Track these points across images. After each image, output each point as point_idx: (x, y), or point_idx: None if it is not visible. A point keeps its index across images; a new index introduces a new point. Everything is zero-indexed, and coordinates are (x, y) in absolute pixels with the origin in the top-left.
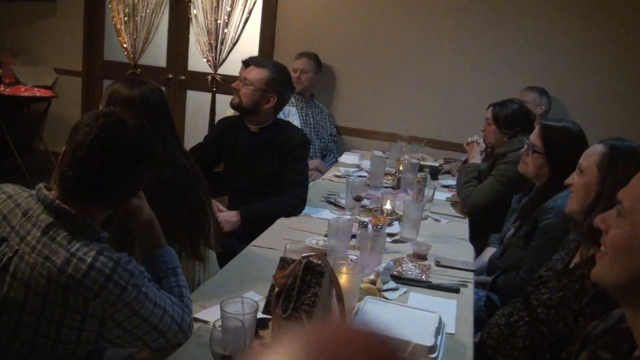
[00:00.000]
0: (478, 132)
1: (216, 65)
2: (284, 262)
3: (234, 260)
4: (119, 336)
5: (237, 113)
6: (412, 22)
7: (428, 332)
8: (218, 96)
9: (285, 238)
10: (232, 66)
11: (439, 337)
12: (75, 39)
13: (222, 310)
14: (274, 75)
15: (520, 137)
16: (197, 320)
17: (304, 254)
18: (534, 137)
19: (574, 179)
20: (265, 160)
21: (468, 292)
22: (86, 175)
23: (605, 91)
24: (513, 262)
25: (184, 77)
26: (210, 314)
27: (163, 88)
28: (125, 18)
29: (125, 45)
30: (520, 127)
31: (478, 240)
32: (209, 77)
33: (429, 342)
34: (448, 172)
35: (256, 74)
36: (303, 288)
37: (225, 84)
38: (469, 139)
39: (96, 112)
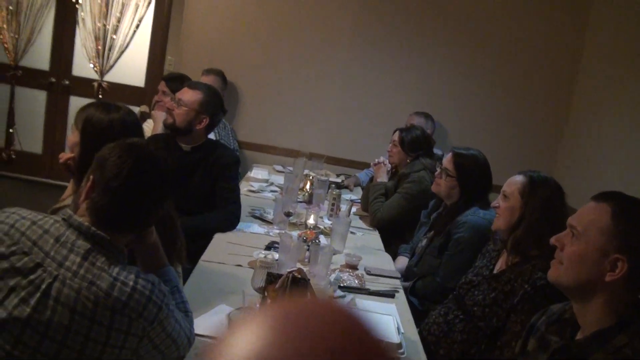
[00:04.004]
0: (370, 149)
1: (103, 71)
2: (271, 277)
3: (193, 276)
4: (148, 352)
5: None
6: (311, 45)
7: (392, 331)
8: None
9: (230, 253)
10: (119, 73)
11: (400, 335)
12: None
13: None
14: (207, 98)
15: (421, 160)
16: None
17: (288, 270)
18: (447, 162)
19: (499, 202)
20: (197, 179)
21: (401, 296)
22: (121, 203)
23: (482, 117)
24: (428, 269)
25: (67, 82)
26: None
27: (44, 92)
28: (8, 16)
29: (6, 45)
30: (422, 151)
31: (386, 249)
32: (95, 84)
33: (395, 339)
34: (346, 187)
35: (190, 95)
36: None
37: (111, 92)
38: (376, 160)
39: (124, 144)
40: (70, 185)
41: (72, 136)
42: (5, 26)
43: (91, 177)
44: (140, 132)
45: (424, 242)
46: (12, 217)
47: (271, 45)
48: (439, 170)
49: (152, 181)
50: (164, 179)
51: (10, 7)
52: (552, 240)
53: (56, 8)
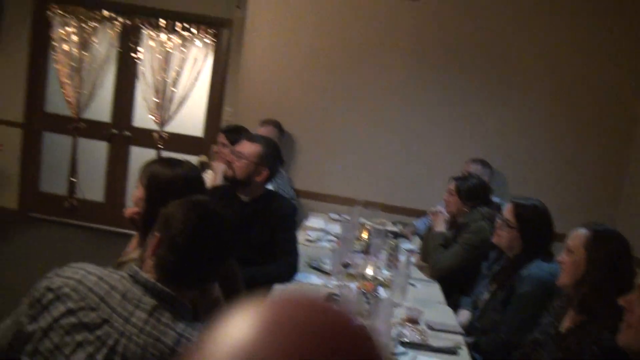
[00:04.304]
0: (426, 196)
1: (162, 122)
2: None
3: None
4: None
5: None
6: (366, 94)
7: None
8: (165, 153)
9: None
10: (178, 124)
11: None
12: (15, 89)
13: None
14: (266, 150)
15: (480, 209)
16: None
17: None
18: (507, 213)
19: (563, 257)
20: (256, 230)
21: (464, 353)
22: (186, 260)
23: (540, 164)
24: (491, 324)
25: (128, 133)
26: None
27: (106, 143)
28: (71, 72)
29: (69, 99)
30: (479, 200)
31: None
32: (155, 135)
33: None
34: (404, 236)
35: (250, 148)
36: None
37: (171, 142)
38: (433, 209)
39: (188, 202)
40: (135, 239)
41: (137, 191)
42: (68, 81)
43: (157, 234)
44: (203, 186)
45: (486, 295)
46: (79, 273)
47: (326, 95)
48: (499, 221)
49: (216, 238)
50: (227, 235)
51: (73, 64)
52: (621, 301)
53: (117, 63)
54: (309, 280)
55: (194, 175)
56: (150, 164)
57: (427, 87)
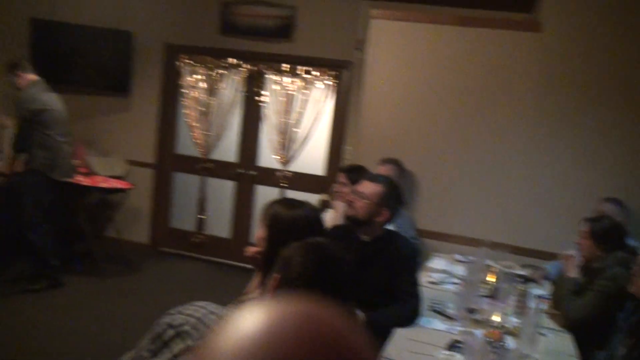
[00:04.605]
0: (557, 238)
1: (286, 162)
2: None
3: None
4: None
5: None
6: (491, 129)
7: None
8: (288, 192)
9: (411, 351)
10: (301, 163)
11: None
12: (148, 133)
13: None
14: (387, 191)
15: (615, 253)
16: None
17: None
18: None
19: None
20: (375, 271)
21: None
22: None
23: None
24: None
25: (254, 172)
26: None
27: (232, 182)
28: (200, 116)
29: (198, 141)
30: (614, 243)
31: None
32: (279, 174)
33: None
34: (534, 281)
35: (371, 188)
36: None
37: (294, 180)
38: (566, 252)
39: (309, 245)
40: (256, 277)
41: (259, 231)
42: (197, 125)
43: (276, 275)
44: (323, 227)
45: (623, 350)
46: (200, 311)
47: (447, 133)
48: (636, 267)
49: (335, 282)
50: (346, 279)
51: (201, 108)
52: None
53: (243, 107)
54: (432, 325)
55: (314, 216)
56: (272, 205)
57: (556, 123)
